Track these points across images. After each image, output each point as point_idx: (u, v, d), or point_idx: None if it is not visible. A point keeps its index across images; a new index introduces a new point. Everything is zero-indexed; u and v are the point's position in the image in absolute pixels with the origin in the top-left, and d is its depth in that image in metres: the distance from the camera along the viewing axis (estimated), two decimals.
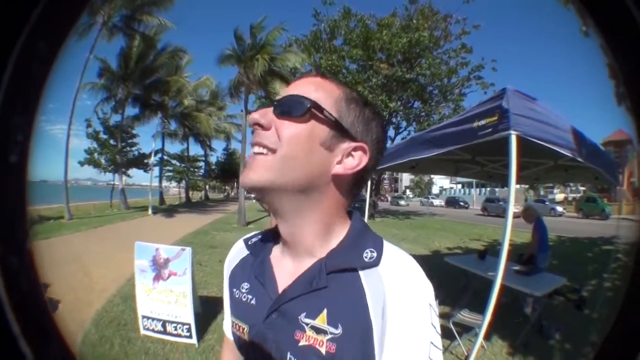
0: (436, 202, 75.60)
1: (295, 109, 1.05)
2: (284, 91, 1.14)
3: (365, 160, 1.13)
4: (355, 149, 1.11)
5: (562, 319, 7.68)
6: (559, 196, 67.40)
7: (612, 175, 8.06)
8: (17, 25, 0.58)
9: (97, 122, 40.56)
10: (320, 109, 1.06)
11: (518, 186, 14.11)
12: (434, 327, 0.99)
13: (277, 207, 1.12)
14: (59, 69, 0.65)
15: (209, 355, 6.09)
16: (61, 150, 31.42)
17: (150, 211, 34.93)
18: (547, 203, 37.01)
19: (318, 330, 1.02)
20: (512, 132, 4.83)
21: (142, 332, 6.50)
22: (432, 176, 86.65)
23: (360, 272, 1.06)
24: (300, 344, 1.04)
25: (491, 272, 5.98)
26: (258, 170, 1.04)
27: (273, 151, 1.04)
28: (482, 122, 5.34)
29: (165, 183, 64.63)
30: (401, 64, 32.87)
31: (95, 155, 40.09)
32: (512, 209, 5.18)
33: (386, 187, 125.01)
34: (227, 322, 1.40)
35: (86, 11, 0.69)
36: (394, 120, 37.04)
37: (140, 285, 6.57)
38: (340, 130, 1.09)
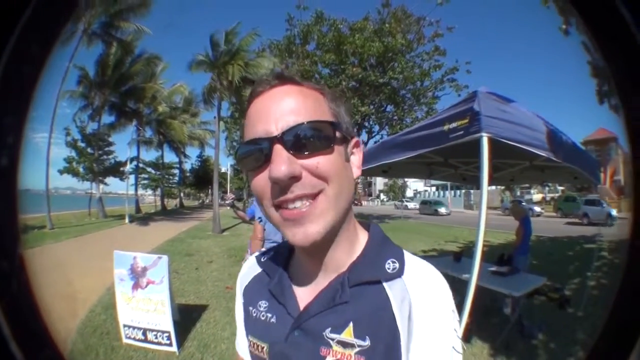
0: (410, 205, 75.39)
1: (321, 144, 0.96)
2: (264, 113, 1.00)
3: (361, 153, 1.14)
4: (354, 146, 1.11)
5: (544, 319, 7.74)
6: (537, 196, 67.64)
7: (592, 174, 8.14)
8: (8, 26, 0.58)
9: (76, 131, 40.17)
10: (338, 128, 1.02)
11: (494, 187, 14.24)
12: (456, 332, 1.00)
13: (319, 243, 1.01)
14: (49, 72, 0.64)
15: None
16: (42, 158, 31.21)
17: (127, 220, 34.83)
18: (523, 203, 37.53)
19: (345, 345, 1.00)
20: (484, 134, 4.92)
21: (125, 340, 6.50)
22: (406, 179, 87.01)
23: (384, 284, 1.04)
24: (328, 359, 1.02)
25: (467, 274, 6.03)
26: (318, 220, 0.96)
27: (318, 193, 0.96)
28: (454, 124, 5.41)
29: (141, 191, 64.32)
30: (374, 68, 33.00)
31: (74, 163, 39.66)
32: (485, 210, 5.29)
33: (360, 191, 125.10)
34: (241, 340, 1.35)
35: (73, 15, 0.67)
36: (366, 124, 37.24)
37: (120, 294, 6.57)
38: (346, 136, 1.07)
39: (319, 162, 0.95)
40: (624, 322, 0.65)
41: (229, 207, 8.13)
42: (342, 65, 32.59)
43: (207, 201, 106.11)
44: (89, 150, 40.67)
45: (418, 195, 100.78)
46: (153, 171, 61.06)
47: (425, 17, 33.60)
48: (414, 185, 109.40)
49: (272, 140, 0.94)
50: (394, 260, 1.08)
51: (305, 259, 1.14)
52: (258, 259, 1.35)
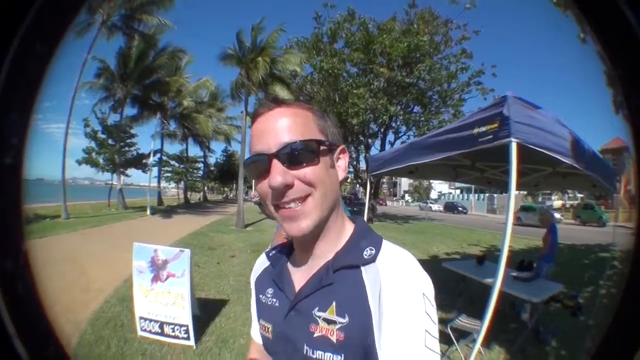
0: (435, 207, 75.17)
1: (308, 157, 1.19)
2: (264, 133, 1.22)
3: (347, 157, 1.37)
4: (340, 153, 1.33)
5: (558, 325, 7.70)
6: (557, 203, 67.17)
7: (609, 183, 8.11)
8: (13, 25, 0.59)
9: (95, 122, 40.38)
10: (322, 143, 1.23)
11: (517, 192, 14.06)
12: (429, 316, 1.09)
13: (308, 237, 1.25)
14: (55, 70, 0.66)
15: (207, 357, 6.10)
16: (58, 148, 31.15)
17: (148, 212, 34.96)
18: (545, 209, 37.42)
19: (329, 322, 1.17)
20: (513, 139, 4.83)
21: (140, 333, 6.49)
22: (431, 181, 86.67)
23: (362, 268, 1.20)
24: (315, 335, 1.19)
25: (489, 277, 6.03)
26: (308, 216, 1.18)
27: (307, 196, 1.19)
28: (483, 128, 5.34)
29: (163, 184, 64.27)
30: (401, 68, 32.83)
31: (93, 154, 39.86)
32: (512, 216, 5.17)
33: (385, 191, 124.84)
34: (255, 327, 1.60)
35: (83, 11, 0.71)
36: (393, 124, 37.12)
37: (138, 287, 6.56)
38: (331, 147, 1.27)
39: (307, 172, 1.18)
40: (628, 323, 0.70)
41: (253, 204, 8.10)
42: (370, 64, 32.47)
43: (231, 196, 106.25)
44: (110, 141, 40.87)
45: (442, 197, 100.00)
46: (177, 164, 61.08)
47: (453, 20, 33.48)
48: (439, 187, 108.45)
49: (270, 156, 1.17)
50: (372, 247, 1.25)
51: (299, 251, 1.37)
52: (267, 254, 1.59)
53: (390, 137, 38.53)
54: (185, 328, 6.34)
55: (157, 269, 6.53)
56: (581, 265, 15.86)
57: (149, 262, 6.56)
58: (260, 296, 1.49)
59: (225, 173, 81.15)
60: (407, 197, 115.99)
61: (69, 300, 8.08)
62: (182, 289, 6.44)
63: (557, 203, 66.41)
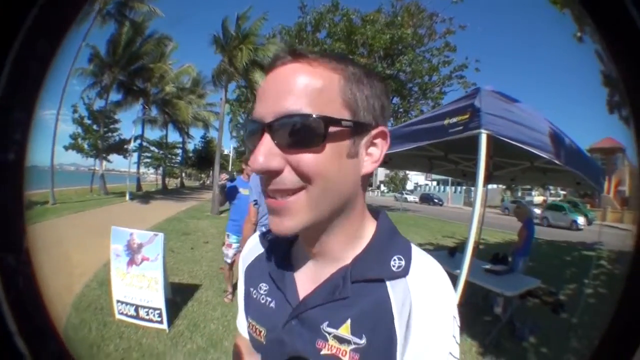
0: (410, 198, 75.02)
1: (308, 139, 0.90)
2: (266, 93, 0.95)
3: (387, 144, 1.06)
4: (375, 137, 1.02)
5: (537, 322, 7.75)
6: (538, 199, 67.14)
7: (596, 181, 8.11)
8: (17, 22, 0.58)
9: (83, 108, 40.27)
10: (336, 122, 0.91)
11: (495, 186, 14.26)
12: (454, 338, 0.98)
13: (308, 233, 1.04)
14: (58, 66, 0.65)
15: (179, 340, 6.17)
16: (49, 134, 31.18)
17: (127, 197, 34.83)
18: (524, 204, 37.54)
19: (341, 340, 0.99)
20: (483, 130, 4.95)
21: (117, 316, 6.53)
22: (407, 172, 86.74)
23: (387, 282, 1.01)
24: (323, 352, 1.01)
25: (459, 269, 6.06)
26: (294, 214, 0.94)
27: (299, 189, 0.93)
28: (454, 119, 5.46)
29: (143, 169, 64.10)
30: (382, 59, 33.02)
31: (79, 140, 39.71)
32: (479, 206, 5.35)
33: None
34: (241, 319, 1.36)
35: (87, 5, 0.69)
36: None
37: (115, 270, 6.60)
38: (359, 127, 0.97)
39: (301, 160, 0.90)
40: (627, 323, 0.65)
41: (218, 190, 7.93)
42: (351, 55, 32.01)
43: (208, 182, 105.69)
44: (94, 127, 40.82)
45: (419, 188, 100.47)
46: (156, 150, 61.16)
47: (438, 13, 33.66)
48: (415, 178, 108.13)
49: (262, 127, 0.92)
50: (400, 257, 1.04)
51: (304, 245, 1.12)
52: (261, 237, 1.33)
53: None
54: (158, 312, 6.37)
55: (133, 252, 6.57)
56: (562, 263, 15.98)
57: (125, 246, 6.59)
58: (251, 289, 1.26)
59: (203, 159, 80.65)
60: (382, 187, 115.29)
61: (56, 284, 8.03)
62: (156, 273, 6.47)
63: (537, 199, 66.54)
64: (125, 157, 45.10)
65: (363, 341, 0.97)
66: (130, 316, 6.46)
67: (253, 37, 29.24)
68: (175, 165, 73.00)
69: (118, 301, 6.55)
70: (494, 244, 16.70)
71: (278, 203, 0.93)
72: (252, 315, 1.22)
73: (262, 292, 1.20)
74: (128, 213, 24.62)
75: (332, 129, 0.90)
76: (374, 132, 1.00)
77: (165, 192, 52.11)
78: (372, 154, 1.02)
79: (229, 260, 7.99)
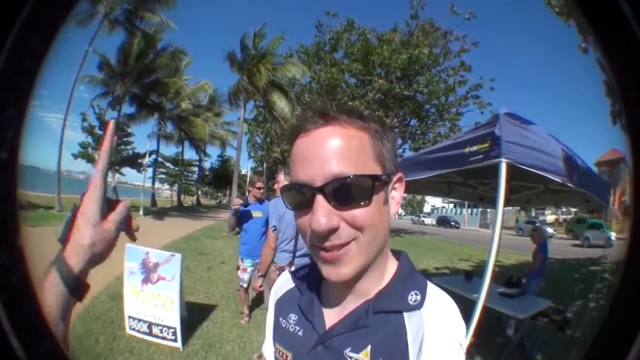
0: (427, 220, 74.69)
1: (359, 197, 1.00)
2: (309, 158, 1.03)
3: (403, 186, 1.18)
4: (396, 182, 1.14)
5: (545, 340, 7.77)
6: (550, 217, 67.75)
7: (603, 198, 8.18)
8: (9, 19, 0.58)
9: (93, 117, 40.54)
10: (378, 179, 1.03)
11: (509, 208, 14.25)
12: None
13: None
14: (53, 62, 0.66)
15: (193, 359, 6.17)
16: (55, 138, 31.45)
17: (141, 212, 34.90)
18: (537, 224, 37.06)
19: None
20: (503, 159, 4.98)
21: (128, 331, 6.52)
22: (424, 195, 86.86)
23: (405, 314, 1.10)
24: None
25: (476, 294, 6.07)
26: (350, 262, 1.03)
27: (352, 240, 1.01)
28: (474, 148, 5.47)
29: (157, 185, 64.16)
30: (399, 80, 32.75)
31: (89, 149, 39.96)
32: (499, 233, 5.30)
33: None
34: (268, 345, 1.44)
35: (81, 3, 0.70)
36: None
37: (129, 287, 6.58)
38: (387, 177, 1.08)
39: (357, 215, 0.99)
40: (623, 319, 0.66)
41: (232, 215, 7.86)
42: (369, 76, 32.39)
43: (224, 201, 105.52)
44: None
45: (435, 211, 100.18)
46: (172, 166, 61.36)
47: (453, 31, 33.21)
48: (432, 200, 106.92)
49: (314, 190, 0.99)
50: (417, 292, 1.14)
51: (336, 286, 1.17)
52: (293, 274, 1.44)
53: None
54: (173, 330, 6.36)
55: (148, 271, 6.55)
56: (571, 280, 15.92)
57: (140, 264, 6.57)
58: (281, 319, 1.35)
59: (220, 178, 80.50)
60: (399, 210, 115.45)
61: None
62: (172, 292, 6.46)
63: (550, 218, 66.98)
64: (139, 171, 45.36)
65: None
66: (143, 332, 6.45)
67: (271, 57, 29.34)
68: (191, 182, 73.35)
69: (130, 317, 6.53)
70: (509, 265, 16.68)
71: (333, 255, 1.01)
72: (279, 342, 1.31)
73: (291, 321, 1.29)
74: (142, 228, 24.06)
75: (376, 183, 1.01)
76: (395, 177, 1.12)
77: (180, 209, 52.02)
78: (395, 197, 1.14)
79: (244, 285, 7.95)
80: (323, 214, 0.97)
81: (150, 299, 6.46)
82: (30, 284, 0.66)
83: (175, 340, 6.34)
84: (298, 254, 6.01)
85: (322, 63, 33.68)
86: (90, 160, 40.10)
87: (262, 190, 7.85)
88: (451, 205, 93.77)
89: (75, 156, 40.54)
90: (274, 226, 5.95)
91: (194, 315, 7.62)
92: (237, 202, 7.47)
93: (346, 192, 0.98)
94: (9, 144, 0.61)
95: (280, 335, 1.33)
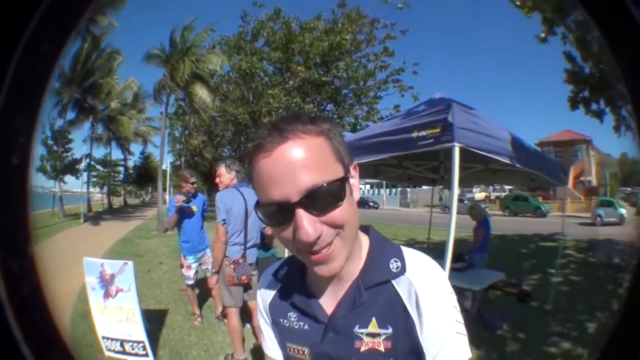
0: None
1: (334, 199, 1.08)
2: (277, 177, 1.07)
3: (358, 173, 1.28)
4: (352, 170, 1.24)
5: (504, 311, 8.10)
6: (480, 195, 69.16)
7: (554, 176, 8.62)
8: (21, 26, 0.59)
9: (48, 128, 39.91)
10: (344, 179, 1.12)
11: (429, 187, 14.64)
12: (455, 308, 1.23)
13: None
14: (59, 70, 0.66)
15: None
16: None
17: (82, 219, 34.65)
18: (466, 202, 37.49)
19: (373, 335, 1.22)
20: (456, 144, 5.17)
21: (106, 353, 6.22)
22: None
23: (393, 281, 1.24)
24: (362, 349, 1.22)
25: None
26: (338, 258, 1.13)
27: (334, 237, 1.10)
28: (423, 132, 5.62)
29: (91, 189, 63.32)
30: (318, 66, 32.97)
31: (45, 162, 39.20)
32: (455, 214, 5.43)
33: None
34: (271, 346, 1.50)
35: (90, 10, 0.70)
36: None
37: (94, 304, 6.31)
38: (348, 171, 1.19)
39: (335, 216, 1.08)
40: (635, 324, 0.68)
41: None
42: (288, 63, 32.56)
43: (147, 199, 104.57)
44: (54, 147, 40.30)
45: None
46: (101, 168, 60.98)
47: (380, 19, 33.54)
48: None
49: (292, 206, 1.05)
50: (396, 259, 1.28)
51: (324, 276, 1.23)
52: (275, 275, 1.50)
53: None
54: (142, 345, 6.08)
55: (107, 284, 6.27)
56: (519, 255, 16.52)
57: (98, 278, 6.30)
58: (281, 320, 1.43)
59: (142, 176, 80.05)
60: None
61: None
62: (132, 304, 6.15)
63: (479, 195, 68.58)
64: (77, 177, 44.88)
65: (390, 330, 1.22)
66: (118, 352, 6.18)
67: (196, 49, 29.28)
68: (118, 183, 72.89)
69: (103, 337, 6.25)
70: (439, 241, 17.08)
71: (322, 256, 1.10)
72: (290, 340, 1.40)
73: (292, 319, 1.38)
74: (85, 237, 24.12)
75: (344, 183, 1.11)
76: (351, 168, 1.22)
77: (111, 212, 51.79)
78: (354, 184, 1.21)
79: (190, 282, 7.96)
80: (308, 225, 1.04)
81: (114, 314, 6.21)
82: (41, 292, 0.69)
83: (146, 354, 6.09)
84: (248, 245, 6.16)
85: (243, 52, 33.67)
86: (44, 172, 39.48)
87: (195, 185, 7.88)
88: (367, 187, 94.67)
89: (37, 170, 39.27)
90: (223, 220, 5.97)
91: (151, 324, 7.25)
92: (180, 199, 7.45)
93: (322, 199, 1.06)
94: (20, 150, 0.62)
95: (289, 334, 1.40)
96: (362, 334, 1.23)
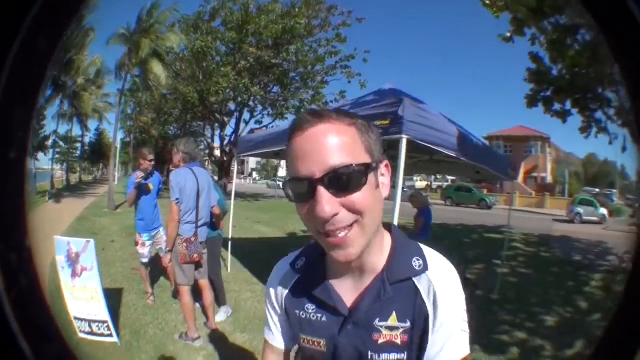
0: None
1: (354, 184, 1.15)
2: (307, 154, 1.18)
3: (390, 171, 1.36)
4: (384, 168, 1.32)
5: None
6: (420, 184, 69.46)
7: (500, 170, 8.94)
8: (17, 21, 0.58)
9: None
10: (369, 166, 1.19)
11: None
12: (464, 308, 1.35)
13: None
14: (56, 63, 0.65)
15: (134, 353, 6.01)
16: None
17: (47, 197, 33.74)
18: (406, 190, 37.41)
19: (392, 329, 1.30)
20: (404, 135, 5.38)
21: (79, 335, 6.06)
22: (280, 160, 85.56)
23: (414, 279, 1.33)
24: (380, 342, 1.30)
25: None
26: (355, 243, 1.18)
27: (354, 223, 1.17)
28: (374, 123, 5.72)
29: (55, 166, 62.09)
30: (269, 49, 33.02)
31: None
32: (399, 203, 5.64)
33: (233, 169, 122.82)
34: (274, 331, 1.60)
35: (88, 4, 0.71)
36: (250, 103, 37.28)
37: (64, 284, 6.16)
38: (376, 164, 1.25)
39: (354, 200, 1.14)
40: (629, 324, 0.69)
41: (117, 183, 7.65)
42: (241, 44, 32.51)
43: (99, 176, 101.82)
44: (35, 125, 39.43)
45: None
46: (63, 145, 59.88)
47: (337, 6, 33.79)
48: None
49: (314, 182, 1.13)
50: (418, 258, 1.36)
51: (344, 266, 1.34)
52: (292, 266, 1.54)
53: (246, 116, 38.78)
54: (106, 324, 6.05)
55: (73, 263, 6.17)
56: (461, 244, 16.89)
57: (66, 257, 6.20)
58: (297, 312, 1.47)
59: (96, 153, 78.25)
60: (254, 174, 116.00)
61: None
62: (95, 283, 6.13)
63: (420, 184, 69.07)
64: (45, 154, 43.99)
65: (407, 324, 1.30)
66: (87, 333, 6.03)
67: (158, 26, 29.06)
68: (75, 159, 71.26)
69: (75, 318, 6.09)
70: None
71: (340, 240, 1.17)
72: (306, 332, 1.45)
73: (310, 311, 1.43)
74: (50, 215, 23.13)
75: (368, 170, 1.18)
76: (382, 165, 1.30)
77: (70, 189, 49.82)
78: (384, 182, 1.30)
79: (145, 260, 8.01)
80: (327, 202, 1.12)
81: (81, 293, 6.11)
82: (39, 285, 0.67)
83: (111, 335, 6.08)
84: (199, 223, 6.24)
85: (199, 32, 33.71)
86: None
87: (152, 163, 7.83)
88: None
89: None
90: (177, 199, 6.04)
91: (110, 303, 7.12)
92: (139, 175, 7.49)
93: (343, 180, 1.13)
94: (18, 144, 0.62)
95: (304, 326, 1.45)
96: (381, 326, 1.30)
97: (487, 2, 9.40)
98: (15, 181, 0.62)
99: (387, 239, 1.41)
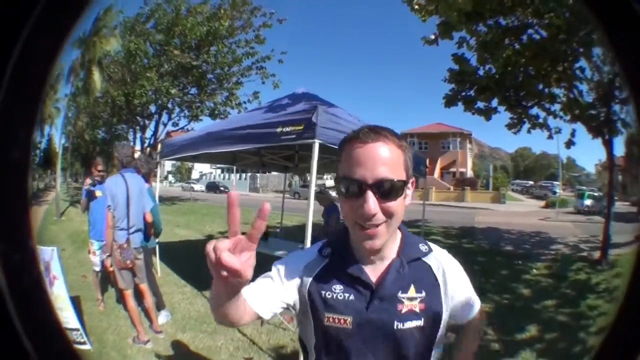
0: (197, 187, 72.58)
1: (393, 195, 1.40)
2: (365, 162, 1.40)
3: (414, 186, 1.56)
4: (411, 183, 1.53)
5: None
6: (330, 182, 65.87)
7: (416, 169, 9.12)
8: (20, 20, 0.59)
9: None
10: (405, 184, 1.45)
11: (277, 174, 14.88)
12: (466, 275, 1.77)
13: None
14: (60, 64, 0.66)
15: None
16: None
17: None
18: (317, 189, 36.35)
19: (412, 299, 1.53)
20: (317, 140, 5.76)
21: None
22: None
23: (423, 258, 1.64)
24: (403, 311, 1.51)
25: (279, 250, 7.39)
26: (381, 237, 1.44)
27: (383, 222, 1.42)
28: (287, 129, 6.19)
29: None
30: (191, 50, 32.46)
31: None
32: (312, 202, 6.21)
33: (155, 173, 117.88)
34: (257, 297, 1.55)
35: (84, 10, 0.67)
36: (169, 106, 36.03)
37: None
38: (408, 181, 1.49)
39: (390, 207, 1.40)
40: (631, 326, 0.70)
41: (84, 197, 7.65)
42: (167, 46, 31.73)
43: (47, 182, 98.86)
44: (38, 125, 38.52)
45: (204, 177, 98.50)
46: None
47: (261, 7, 32.69)
48: (200, 167, 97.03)
49: (366, 186, 1.37)
50: (423, 243, 1.69)
51: (369, 254, 1.57)
52: (320, 252, 1.70)
53: (165, 118, 37.36)
54: (78, 332, 5.68)
55: (48, 272, 5.73)
56: None
57: (44, 266, 5.69)
58: (324, 293, 1.58)
59: (45, 159, 74.22)
60: (170, 177, 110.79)
61: None
62: (62, 291, 5.76)
63: (329, 182, 66.46)
64: None
65: (423, 294, 1.55)
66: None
67: (105, 30, 28.95)
68: (35, 167, 68.75)
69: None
70: (292, 226, 17.54)
71: (372, 231, 1.42)
72: (332, 311, 1.56)
73: (337, 291, 1.57)
74: None
75: (405, 187, 1.45)
76: (411, 181, 1.53)
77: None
78: (408, 194, 1.52)
79: (97, 269, 7.71)
80: (372, 203, 1.36)
81: (58, 302, 5.61)
82: (42, 285, 0.68)
83: (84, 342, 5.71)
84: (131, 230, 6.19)
85: (134, 35, 32.39)
86: None
87: (101, 172, 7.76)
88: (219, 171, 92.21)
89: None
90: (109, 206, 6.09)
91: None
92: (87, 182, 7.46)
93: (386, 190, 1.38)
94: (21, 143, 0.61)
95: (331, 306, 1.56)
96: (403, 298, 1.51)
97: (416, 7, 9.52)
98: (18, 181, 0.63)
99: (398, 233, 1.66)
